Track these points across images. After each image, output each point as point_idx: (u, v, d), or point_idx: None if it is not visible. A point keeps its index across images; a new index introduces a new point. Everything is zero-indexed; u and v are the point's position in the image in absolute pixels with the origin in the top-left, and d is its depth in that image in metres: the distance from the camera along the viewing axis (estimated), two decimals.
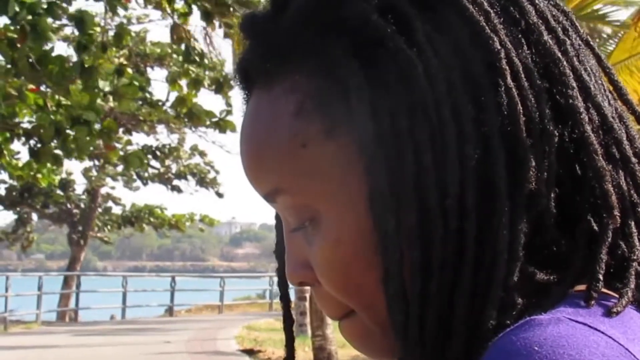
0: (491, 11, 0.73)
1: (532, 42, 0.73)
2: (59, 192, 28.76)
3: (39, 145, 12.42)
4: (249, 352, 16.18)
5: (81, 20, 11.00)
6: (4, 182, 28.15)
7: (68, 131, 12.04)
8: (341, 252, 0.74)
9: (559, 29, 0.75)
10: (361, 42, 0.73)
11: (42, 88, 12.49)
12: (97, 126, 12.38)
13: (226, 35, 12.27)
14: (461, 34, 0.72)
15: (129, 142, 26.72)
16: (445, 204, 0.70)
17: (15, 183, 26.28)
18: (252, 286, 37.14)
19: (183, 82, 17.18)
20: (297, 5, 0.76)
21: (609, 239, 0.71)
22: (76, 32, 11.56)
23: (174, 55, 19.96)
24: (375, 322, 0.76)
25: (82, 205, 30.15)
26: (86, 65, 11.20)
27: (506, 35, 0.73)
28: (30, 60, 10.44)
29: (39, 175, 12.74)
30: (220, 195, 30.51)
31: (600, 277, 0.69)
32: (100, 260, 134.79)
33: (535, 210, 0.70)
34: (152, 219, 30.36)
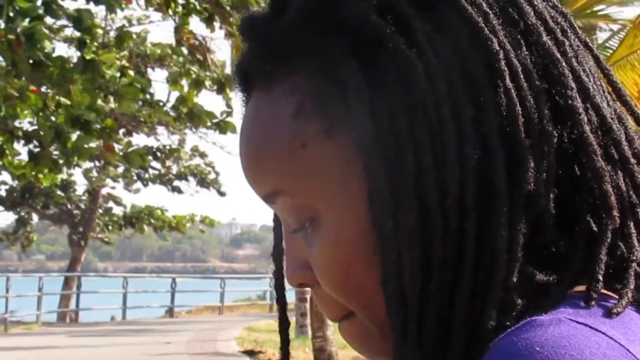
0: (490, 12, 0.73)
1: (531, 43, 0.73)
2: (59, 192, 28.76)
3: (38, 149, 12.43)
4: (250, 353, 16.18)
5: (79, 19, 10.99)
6: (4, 183, 28.18)
7: (68, 134, 12.04)
8: (340, 252, 0.74)
9: (558, 30, 0.75)
10: (360, 42, 0.73)
11: (43, 89, 12.50)
12: (97, 126, 12.38)
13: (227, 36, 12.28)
14: (460, 35, 0.72)
15: (129, 144, 26.72)
16: (444, 204, 0.70)
17: (15, 184, 26.31)
18: (253, 287, 37.14)
19: (184, 82, 17.18)
20: (295, 7, 0.76)
21: (609, 240, 0.71)
22: (77, 33, 11.55)
23: (174, 56, 19.95)
24: (374, 323, 0.76)
25: (83, 206, 30.16)
26: (87, 58, 11.19)
27: (505, 36, 0.73)
28: (31, 61, 10.44)
29: (41, 175, 12.74)
30: (222, 194, 30.52)
31: (600, 277, 0.69)
32: (101, 261, 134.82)
33: (535, 210, 0.70)
34: (152, 220, 30.36)
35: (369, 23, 0.73)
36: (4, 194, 28.57)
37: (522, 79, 0.71)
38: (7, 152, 12.44)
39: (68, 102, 11.82)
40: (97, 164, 27.77)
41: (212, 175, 30.47)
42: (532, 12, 0.74)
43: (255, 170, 0.78)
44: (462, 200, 0.70)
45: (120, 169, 28.37)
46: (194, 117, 19.16)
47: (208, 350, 16.55)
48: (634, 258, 0.71)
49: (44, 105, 12.11)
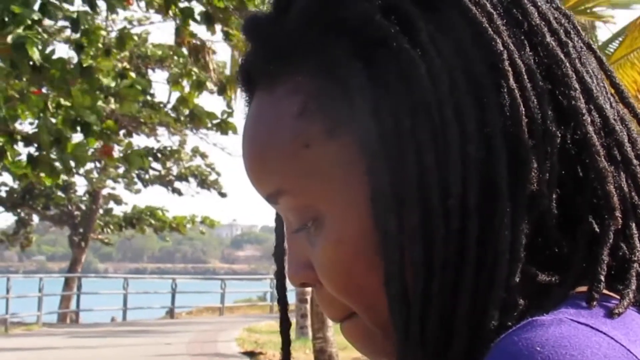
0: (494, 12, 0.73)
1: (534, 44, 0.73)
2: (60, 193, 28.76)
3: (36, 153, 12.42)
4: (250, 354, 16.18)
5: (77, 21, 10.97)
6: (4, 184, 28.18)
7: (68, 138, 12.03)
8: (343, 252, 0.74)
9: (562, 31, 0.75)
10: (363, 42, 0.73)
11: (44, 90, 12.49)
12: (97, 128, 12.37)
13: (226, 39, 12.26)
14: (464, 35, 0.72)
15: (129, 145, 26.73)
16: (447, 204, 0.70)
17: (16, 185, 26.29)
18: (253, 288, 37.12)
19: (185, 83, 17.18)
20: (299, 7, 0.76)
21: (611, 240, 0.71)
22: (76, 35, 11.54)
23: (175, 57, 19.96)
24: (376, 324, 0.76)
25: (83, 207, 30.16)
26: (84, 65, 11.19)
27: (509, 36, 0.73)
28: (31, 62, 10.42)
29: (42, 174, 12.75)
30: (223, 195, 30.52)
31: (602, 278, 0.69)
32: (101, 262, 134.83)
33: (537, 210, 0.70)
34: (153, 221, 30.35)
35: (373, 23, 0.73)
36: (4, 195, 28.57)
37: (526, 79, 0.71)
38: (7, 153, 12.43)
39: (69, 104, 11.81)
40: (98, 164, 27.77)
41: (212, 177, 30.47)
42: (536, 13, 0.74)
43: (258, 170, 0.78)
44: (465, 200, 0.70)
45: (121, 170, 28.37)
46: (195, 118, 19.17)
47: (208, 351, 16.54)
48: (636, 259, 0.71)
49: (44, 106, 12.10)
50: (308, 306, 14.20)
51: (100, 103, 12.84)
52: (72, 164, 12.38)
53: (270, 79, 0.77)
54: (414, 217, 0.71)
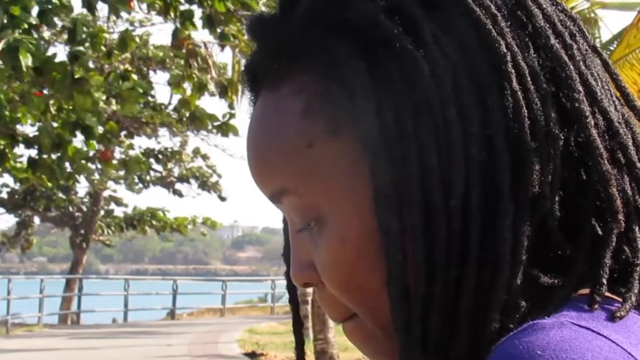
0: (498, 14, 0.73)
1: (539, 46, 0.73)
2: (61, 195, 28.76)
3: (37, 157, 12.43)
4: (251, 355, 16.18)
5: (73, 30, 10.95)
6: (6, 185, 28.18)
7: (69, 141, 12.04)
8: (345, 252, 0.74)
9: (566, 33, 0.75)
10: (367, 42, 0.73)
11: (45, 92, 12.49)
12: (98, 131, 12.39)
13: (223, 46, 12.25)
14: (468, 36, 0.72)
15: (130, 146, 26.72)
16: (449, 205, 0.70)
17: (17, 187, 26.29)
18: (254, 289, 37.07)
19: (187, 85, 17.16)
20: (304, 7, 0.76)
21: (613, 243, 0.71)
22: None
23: (177, 59, 19.95)
24: (377, 325, 0.76)
25: (84, 208, 30.16)
26: (76, 77, 11.19)
27: (513, 38, 0.73)
28: (25, 67, 10.41)
29: (44, 176, 12.76)
30: (222, 199, 30.51)
31: (604, 281, 0.69)
32: (102, 263, 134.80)
33: (540, 213, 0.70)
34: (154, 222, 30.35)
35: (377, 23, 0.73)
36: (5, 196, 28.57)
37: (529, 81, 0.71)
38: (8, 155, 12.43)
39: (70, 107, 11.82)
40: (99, 166, 27.78)
41: (213, 178, 30.46)
42: (541, 15, 0.74)
43: (261, 169, 0.78)
44: (467, 201, 0.70)
45: (122, 172, 28.36)
46: (196, 120, 19.15)
47: (210, 352, 16.54)
48: (639, 262, 0.71)
49: (45, 108, 12.10)
50: (309, 307, 14.20)
51: (101, 104, 12.85)
52: (71, 170, 12.40)
53: (275, 78, 0.77)
54: (416, 217, 0.71)
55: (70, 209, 29.75)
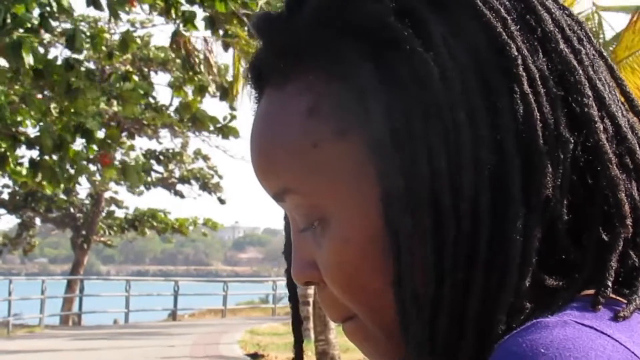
0: (508, 18, 0.73)
1: (547, 50, 0.73)
2: (62, 196, 28.77)
3: (38, 159, 12.44)
4: (252, 356, 16.19)
5: (72, 37, 10.94)
6: (7, 186, 28.19)
7: (70, 143, 12.05)
8: (349, 253, 0.74)
9: (574, 38, 0.75)
10: (376, 43, 0.73)
11: (46, 93, 12.51)
12: (99, 135, 12.43)
13: (227, 45, 12.23)
14: (478, 39, 0.72)
15: (131, 147, 26.74)
16: (458, 207, 0.70)
17: (18, 188, 26.30)
18: (255, 290, 37.06)
19: (188, 88, 17.17)
20: (312, 6, 0.76)
21: (620, 247, 0.71)
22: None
23: (178, 60, 19.97)
24: (378, 326, 0.76)
25: (86, 210, 30.18)
26: (73, 87, 11.20)
27: (523, 42, 0.73)
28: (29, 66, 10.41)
29: (44, 182, 12.76)
30: (222, 201, 30.52)
31: (609, 282, 0.69)
32: (104, 264, 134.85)
33: (549, 216, 0.70)
34: (155, 223, 30.36)
35: (386, 24, 0.73)
36: (6, 197, 28.59)
37: (540, 85, 0.71)
38: (10, 158, 12.43)
39: (72, 110, 11.83)
40: (100, 167, 27.78)
41: (214, 179, 30.48)
42: (550, 20, 0.74)
43: (265, 167, 0.78)
44: (476, 204, 0.70)
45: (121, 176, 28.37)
46: (197, 121, 19.17)
47: (211, 353, 16.55)
48: None
49: (46, 110, 12.12)
50: (310, 309, 14.21)
51: (102, 106, 12.85)
52: (72, 172, 12.41)
53: (280, 76, 0.77)
54: (425, 219, 0.71)
55: (72, 210, 29.77)
